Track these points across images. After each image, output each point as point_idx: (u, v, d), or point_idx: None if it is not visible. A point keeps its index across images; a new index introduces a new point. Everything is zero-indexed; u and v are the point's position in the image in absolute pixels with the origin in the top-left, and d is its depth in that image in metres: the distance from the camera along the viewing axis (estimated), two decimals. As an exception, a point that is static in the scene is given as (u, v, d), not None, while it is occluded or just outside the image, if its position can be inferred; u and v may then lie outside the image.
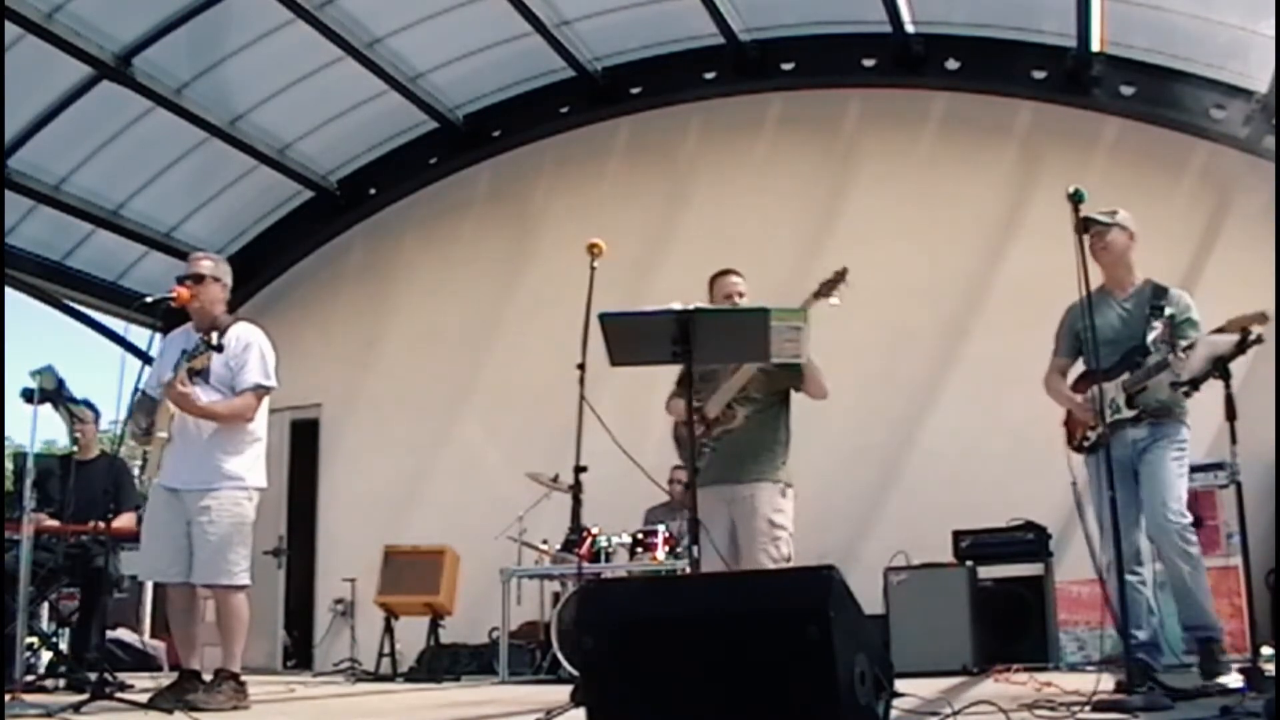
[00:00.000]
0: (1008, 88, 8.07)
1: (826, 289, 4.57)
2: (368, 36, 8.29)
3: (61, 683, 5.73)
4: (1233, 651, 5.48)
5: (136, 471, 5.44)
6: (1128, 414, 4.58)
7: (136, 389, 4.79)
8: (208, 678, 4.66)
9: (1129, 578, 4.27)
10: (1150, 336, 4.59)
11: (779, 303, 3.98)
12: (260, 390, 4.83)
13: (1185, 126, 7.57)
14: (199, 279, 4.85)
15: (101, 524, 5.69)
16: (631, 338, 3.97)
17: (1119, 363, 4.66)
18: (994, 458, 7.45)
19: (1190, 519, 4.52)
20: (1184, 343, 4.38)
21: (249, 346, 4.85)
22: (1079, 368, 4.90)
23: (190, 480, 4.70)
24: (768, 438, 4.74)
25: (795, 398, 4.86)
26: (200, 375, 4.66)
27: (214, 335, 4.54)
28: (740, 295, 4.81)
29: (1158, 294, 4.71)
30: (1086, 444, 4.75)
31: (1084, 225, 4.23)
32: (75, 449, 6.63)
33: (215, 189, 9.64)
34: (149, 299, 4.88)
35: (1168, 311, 4.61)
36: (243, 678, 4.73)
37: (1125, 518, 4.21)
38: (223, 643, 4.73)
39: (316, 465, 10.00)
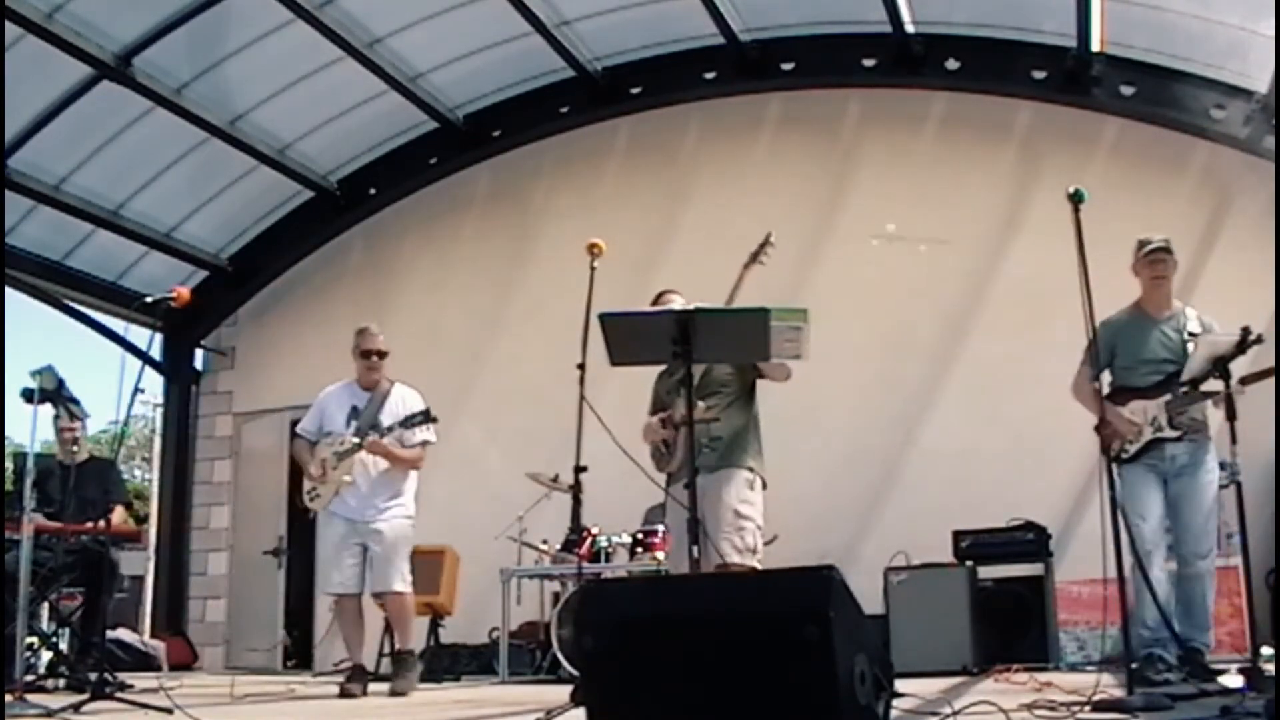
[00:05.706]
0: (1008, 88, 8.06)
1: (753, 257, 4.69)
2: (368, 36, 8.28)
3: (61, 683, 5.73)
4: (1233, 651, 5.49)
5: (308, 503, 6.18)
6: (1171, 434, 4.92)
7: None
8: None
9: (1157, 574, 4.74)
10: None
11: (779, 303, 3.97)
12: (426, 445, 6.07)
13: (1185, 126, 7.56)
14: (383, 355, 6.18)
15: (102, 524, 5.75)
16: (631, 338, 3.96)
17: (1160, 383, 4.96)
18: (994, 458, 7.45)
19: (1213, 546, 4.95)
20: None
21: (412, 408, 6.00)
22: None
23: (371, 513, 5.91)
24: (736, 426, 4.73)
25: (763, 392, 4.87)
26: (374, 429, 5.90)
27: (384, 420, 5.96)
28: None
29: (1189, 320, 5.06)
30: (1126, 455, 5.00)
31: (1153, 252, 4.94)
32: (57, 450, 6.62)
33: (215, 189, 9.64)
34: (149, 299, 4.90)
35: (1198, 333, 4.94)
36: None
37: (1151, 519, 4.87)
38: (398, 632, 6.16)
39: (316, 465, 9.97)
